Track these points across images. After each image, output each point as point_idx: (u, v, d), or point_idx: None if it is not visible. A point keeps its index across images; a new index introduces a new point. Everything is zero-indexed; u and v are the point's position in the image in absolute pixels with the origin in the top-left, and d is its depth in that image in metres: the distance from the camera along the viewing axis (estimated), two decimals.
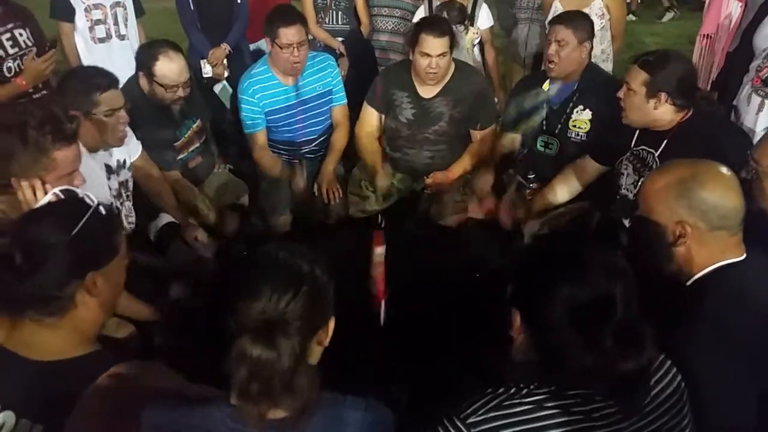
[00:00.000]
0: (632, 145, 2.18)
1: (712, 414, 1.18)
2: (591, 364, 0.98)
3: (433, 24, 2.57)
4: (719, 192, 1.31)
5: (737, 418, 1.22)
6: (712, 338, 1.22)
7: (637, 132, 2.15)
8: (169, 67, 2.35)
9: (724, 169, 1.35)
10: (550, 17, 3.16)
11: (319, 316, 1.03)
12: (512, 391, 1.03)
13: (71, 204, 1.23)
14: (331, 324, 1.06)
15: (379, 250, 2.16)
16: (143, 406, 0.97)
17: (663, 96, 1.99)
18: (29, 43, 2.62)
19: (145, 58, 2.38)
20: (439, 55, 2.51)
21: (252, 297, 0.97)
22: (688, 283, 1.35)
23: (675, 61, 2.02)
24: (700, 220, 1.30)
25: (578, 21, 2.51)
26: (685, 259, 1.34)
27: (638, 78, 2.02)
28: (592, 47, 2.55)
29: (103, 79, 2.00)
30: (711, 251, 1.32)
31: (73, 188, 1.26)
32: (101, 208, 1.20)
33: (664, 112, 2.02)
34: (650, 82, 1.99)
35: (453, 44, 2.58)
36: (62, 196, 1.28)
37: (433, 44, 2.49)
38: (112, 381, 1.07)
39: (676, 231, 1.32)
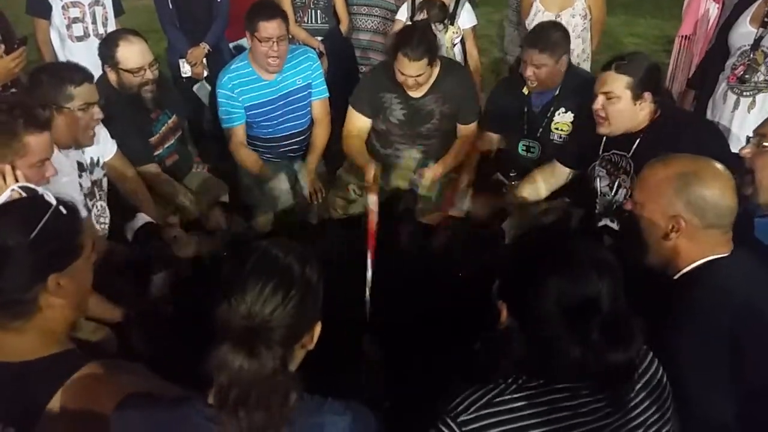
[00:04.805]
0: (601, 151, 2.19)
1: (692, 406, 1.18)
2: (580, 356, 0.98)
3: (410, 45, 2.39)
4: (719, 190, 1.31)
5: (715, 411, 1.22)
6: (695, 331, 1.23)
7: (605, 138, 2.14)
8: (131, 50, 2.33)
9: (723, 168, 1.35)
10: (530, 17, 3.17)
11: (306, 321, 0.99)
12: (502, 386, 1.02)
13: (30, 204, 1.16)
14: (317, 328, 1.02)
15: (373, 198, 2.26)
16: (115, 405, 0.93)
17: (648, 96, 1.99)
18: None
19: (106, 49, 2.35)
20: (415, 76, 2.47)
21: (237, 300, 0.93)
22: (676, 277, 1.36)
23: (644, 59, 2.04)
24: (696, 216, 1.31)
25: (553, 40, 2.37)
26: (673, 253, 1.35)
27: (619, 83, 1.99)
28: (569, 56, 2.48)
29: (76, 73, 1.96)
30: (701, 247, 1.33)
31: (32, 186, 1.19)
32: (61, 207, 1.13)
33: (646, 113, 2.03)
34: (634, 85, 1.98)
35: (433, 60, 2.50)
36: (23, 194, 1.20)
37: (409, 67, 2.44)
38: (85, 380, 1.04)
39: (670, 225, 1.33)
